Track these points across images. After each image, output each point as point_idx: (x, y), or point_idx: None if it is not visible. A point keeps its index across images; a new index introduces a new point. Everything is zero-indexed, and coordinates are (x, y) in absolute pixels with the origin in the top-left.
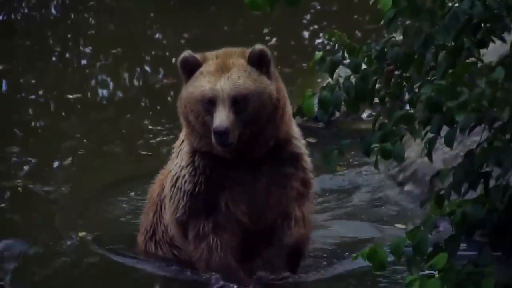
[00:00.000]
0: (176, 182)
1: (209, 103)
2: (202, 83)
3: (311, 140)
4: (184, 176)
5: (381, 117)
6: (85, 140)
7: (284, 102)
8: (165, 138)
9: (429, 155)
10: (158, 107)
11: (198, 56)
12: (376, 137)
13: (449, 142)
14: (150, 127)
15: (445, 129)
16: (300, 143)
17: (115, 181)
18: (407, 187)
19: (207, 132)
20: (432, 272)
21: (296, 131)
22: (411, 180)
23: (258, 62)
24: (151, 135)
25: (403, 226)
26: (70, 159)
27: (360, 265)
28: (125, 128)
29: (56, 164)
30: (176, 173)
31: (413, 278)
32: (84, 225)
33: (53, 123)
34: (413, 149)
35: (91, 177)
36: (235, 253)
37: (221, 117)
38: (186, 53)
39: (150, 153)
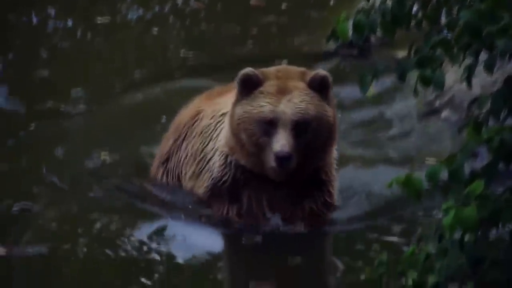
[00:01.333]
0: (208, 161)
1: (269, 125)
2: (261, 103)
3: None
4: (214, 165)
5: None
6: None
7: (336, 129)
8: (192, 63)
9: (469, 81)
10: (186, 31)
11: (259, 73)
12: (412, 62)
13: (488, 68)
14: (178, 50)
15: (484, 55)
16: (333, 169)
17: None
18: (444, 114)
19: (259, 152)
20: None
21: (334, 156)
22: (448, 106)
23: (319, 87)
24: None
25: (434, 160)
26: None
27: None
28: (153, 48)
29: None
30: (209, 155)
31: (449, 205)
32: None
33: (80, 46)
34: (450, 75)
35: (117, 98)
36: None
37: (284, 141)
38: (248, 70)
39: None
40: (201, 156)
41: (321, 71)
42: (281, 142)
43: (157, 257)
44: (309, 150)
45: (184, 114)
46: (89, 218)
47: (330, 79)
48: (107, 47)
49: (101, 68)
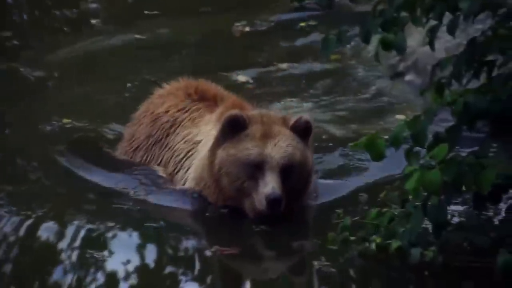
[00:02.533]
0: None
1: (255, 168)
2: (248, 146)
3: (311, 23)
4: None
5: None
6: None
7: (312, 172)
8: None
9: (431, 44)
10: None
11: (245, 117)
12: (376, 24)
13: (451, 30)
14: None
15: (447, 17)
16: (312, 196)
17: None
18: (407, 77)
19: (241, 197)
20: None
21: (312, 187)
22: (412, 69)
23: (302, 132)
24: None
25: (403, 117)
26: None
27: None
28: None
29: None
30: (180, 182)
31: (412, 169)
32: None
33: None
34: (414, 37)
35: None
36: None
37: (274, 184)
38: (236, 112)
39: None
40: (172, 176)
41: (304, 115)
42: (271, 184)
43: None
44: (291, 193)
45: (159, 112)
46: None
47: (312, 123)
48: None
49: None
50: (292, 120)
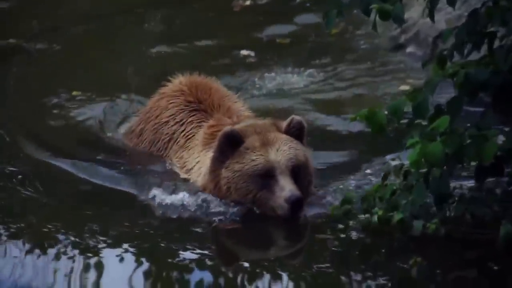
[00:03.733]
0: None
1: (264, 178)
2: (252, 158)
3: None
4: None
5: None
6: None
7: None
8: None
9: (431, 15)
10: None
11: (239, 131)
12: None
13: (452, 1)
14: None
15: None
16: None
17: None
18: (409, 49)
19: (257, 207)
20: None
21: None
22: (413, 41)
23: (297, 132)
24: None
25: (407, 87)
26: None
27: None
28: None
29: None
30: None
31: (414, 141)
32: None
33: None
34: (415, 9)
35: None
36: None
37: (290, 186)
38: (230, 129)
39: None
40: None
41: (295, 116)
42: (288, 187)
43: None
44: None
45: (161, 122)
46: None
47: (304, 123)
48: None
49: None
50: (284, 124)
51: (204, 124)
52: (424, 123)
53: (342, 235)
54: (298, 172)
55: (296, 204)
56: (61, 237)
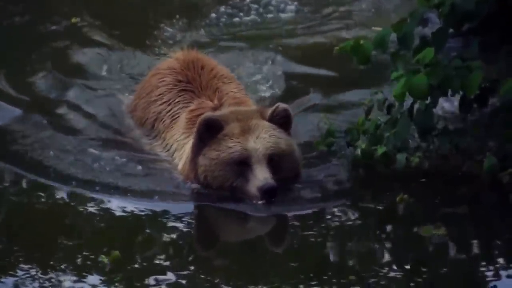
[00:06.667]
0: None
1: (241, 165)
2: (229, 145)
3: None
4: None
5: None
6: None
7: (300, 160)
8: None
9: None
10: None
11: (219, 118)
12: None
13: None
14: None
15: None
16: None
17: None
18: None
19: (234, 194)
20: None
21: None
22: None
23: (281, 120)
24: None
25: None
26: None
27: None
28: None
29: None
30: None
31: (398, 74)
32: None
33: None
34: None
35: None
36: None
37: (264, 175)
38: (210, 114)
39: None
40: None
41: (280, 104)
42: (262, 176)
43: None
44: (282, 183)
45: (151, 101)
46: None
47: (291, 110)
48: None
49: None
50: (269, 111)
51: (191, 105)
52: (409, 55)
53: (326, 170)
54: (278, 161)
55: (268, 194)
56: None
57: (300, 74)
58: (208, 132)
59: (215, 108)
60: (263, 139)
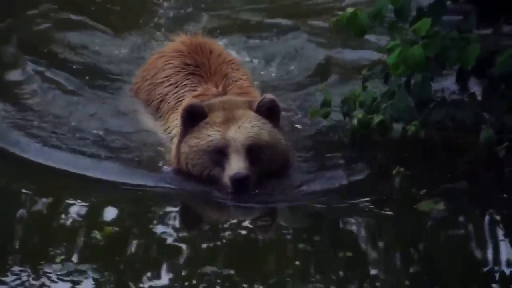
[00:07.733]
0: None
1: (220, 154)
2: (209, 133)
3: None
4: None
5: None
6: None
7: (291, 153)
8: None
9: None
10: None
11: (204, 106)
12: None
13: None
14: None
15: None
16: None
17: None
18: None
19: (213, 182)
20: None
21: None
22: None
23: (268, 111)
24: None
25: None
26: None
27: None
28: None
29: None
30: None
31: (394, 43)
32: None
33: None
34: None
35: None
36: None
37: (238, 164)
38: (193, 102)
39: None
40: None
41: (267, 95)
42: (235, 165)
43: None
44: (268, 175)
45: (156, 82)
46: None
47: (278, 101)
48: None
49: None
50: (255, 102)
51: (198, 89)
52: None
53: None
54: (258, 152)
55: (238, 184)
56: None
57: None
58: (191, 119)
59: (217, 95)
60: (244, 128)
